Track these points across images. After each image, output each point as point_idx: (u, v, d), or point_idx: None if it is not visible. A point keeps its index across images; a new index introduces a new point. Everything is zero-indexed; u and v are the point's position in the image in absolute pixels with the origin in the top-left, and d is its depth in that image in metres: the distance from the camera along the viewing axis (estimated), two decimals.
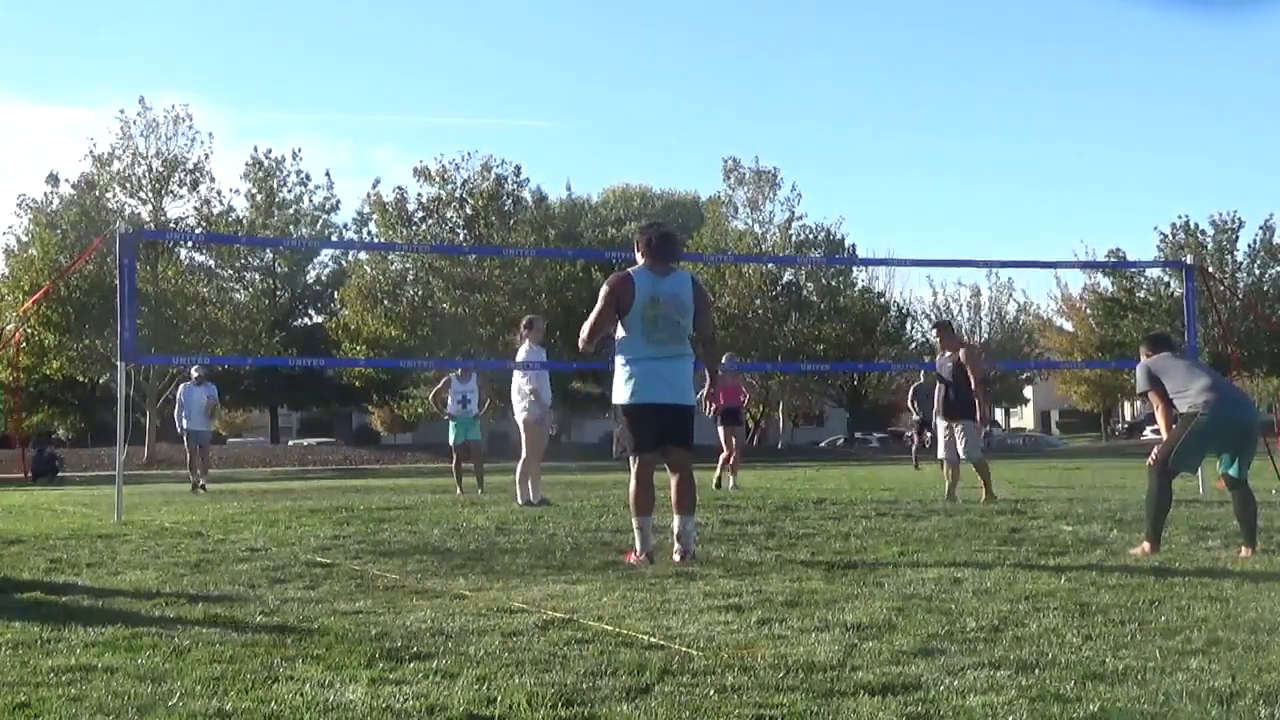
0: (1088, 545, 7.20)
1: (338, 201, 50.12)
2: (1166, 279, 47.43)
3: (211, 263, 43.18)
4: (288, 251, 47.99)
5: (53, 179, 40.34)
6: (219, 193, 41.41)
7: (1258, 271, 48.96)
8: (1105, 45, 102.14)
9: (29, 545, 8.02)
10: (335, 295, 47.36)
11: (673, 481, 6.76)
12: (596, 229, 53.65)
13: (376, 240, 45.16)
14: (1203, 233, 48.14)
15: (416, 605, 5.12)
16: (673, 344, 6.72)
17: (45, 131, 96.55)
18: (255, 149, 48.27)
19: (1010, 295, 55.59)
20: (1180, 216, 49.57)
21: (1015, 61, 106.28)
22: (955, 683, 3.55)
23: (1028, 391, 67.67)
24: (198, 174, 40.50)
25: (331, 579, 6.04)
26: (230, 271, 44.44)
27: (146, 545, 7.90)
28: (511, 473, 12.30)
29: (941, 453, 11.94)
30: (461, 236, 42.46)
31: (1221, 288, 38.81)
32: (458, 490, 14.61)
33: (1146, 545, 6.84)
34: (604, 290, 6.73)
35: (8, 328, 33.95)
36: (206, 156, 40.60)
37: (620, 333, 6.74)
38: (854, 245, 48.71)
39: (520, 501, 11.54)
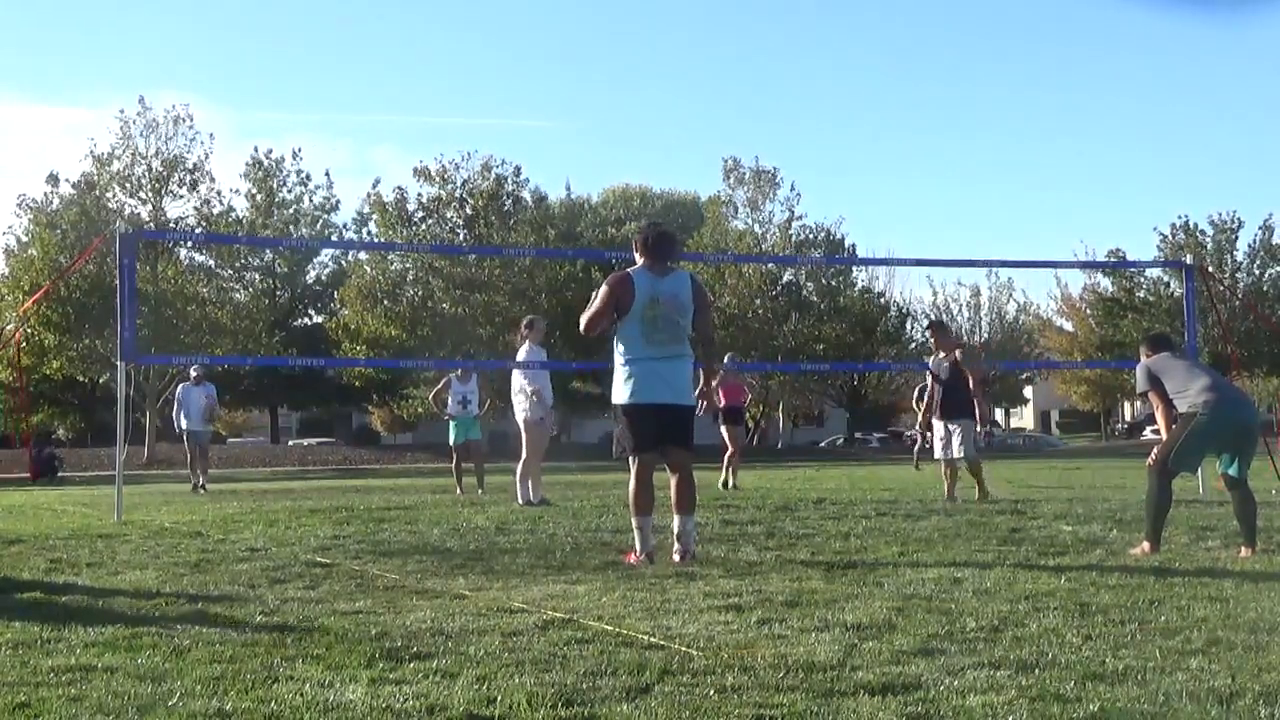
0: (1088, 545, 7.20)
1: (338, 201, 50.23)
2: (1166, 279, 47.46)
3: (211, 263, 43.18)
4: (288, 251, 47.98)
5: (53, 179, 40.38)
6: (219, 193, 41.48)
7: (1257, 271, 48.99)
8: (1105, 45, 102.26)
9: (29, 545, 8.02)
10: (335, 295, 47.36)
11: (672, 481, 6.76)
12: (596, 229, 53.65)
13: (376, 240, 45.18)
14: (1202, 233, 48.16)
15: (416, 605, 5.12)
16: (672, 344, 6.72)
17: (45, 131, 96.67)
18: (255, 149, 48.33)
19: (1010, 295, 55.74)
20: (1180, 216, 49.69)
21: (1015, 61, 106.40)
22: (955, 683, 3.55)
23: (1028, 391, 67.70)
24: (198, 174, 40.51)
25: (331, 579, 6.04)
26: (230, 271, 44.45)
27: (146, 545, 7.90)
28: (511, 473, 12.31)
29: (938, 453, 11.95)
30: (461, 236, 42.47)
31: (1221, 288, 38.81)
32: (458, 490, 14.61)
33: (1146, 545, 6.84)
34: (603, 289, 6.73)
35: (8, 328, 33.93)
36: (206, 156, 40.67)
37: (619, 333, 6.74)
38: (854, 245, 48.80)
39: (520, 501, 11.54)
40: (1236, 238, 48.44)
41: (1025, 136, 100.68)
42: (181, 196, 40.54)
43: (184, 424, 17.56)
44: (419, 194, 43.32)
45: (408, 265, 43.38)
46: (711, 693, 3.48)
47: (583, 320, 6.80)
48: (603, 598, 5.27)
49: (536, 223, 43.52)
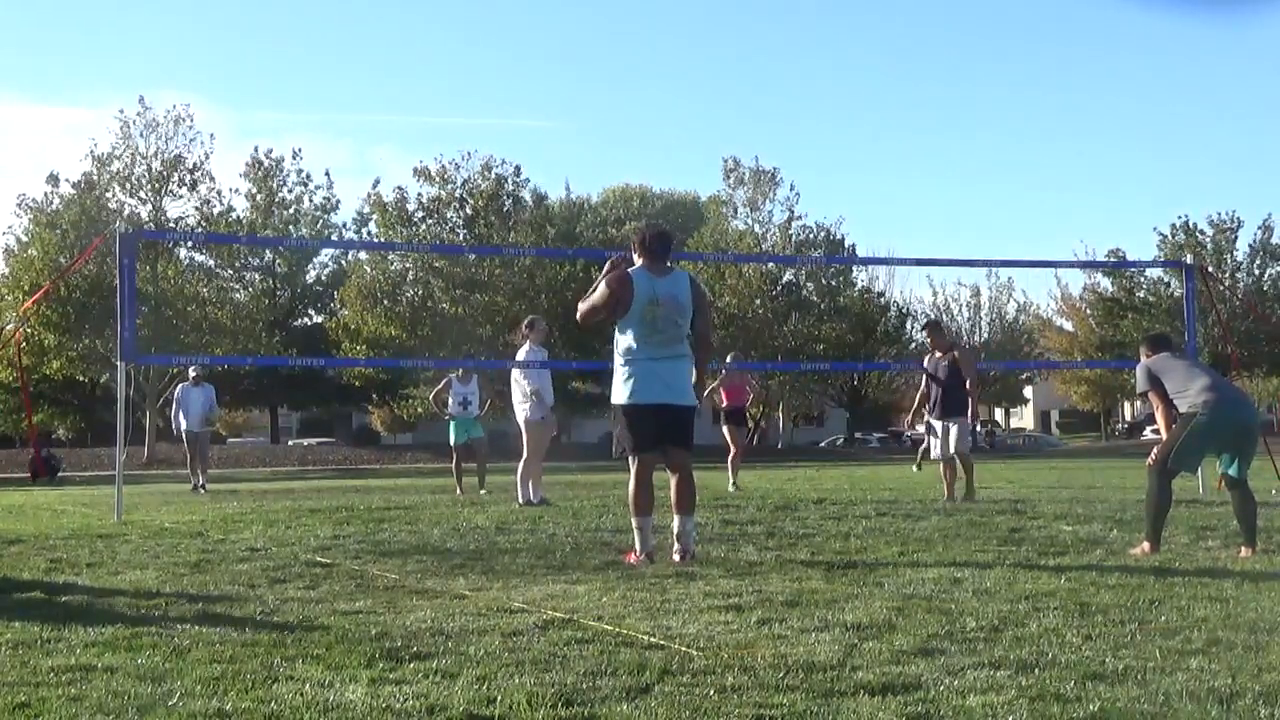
0: (1088, 545, 7.20)
1: (338, 201, 50.16)
2: (1166, 279, 47.45)
3: (211, 263, 43.20)
4: (288, 251, 47.96)
5: (53, 179, 40.35)
6: (219, 193, 41.47)
7: (1257, 271, 49.00)
8: (1105, 45, 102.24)
9: (29, 545, 8.02)
10: (335, 295, 47.35)
11: (672, 482, 6.77)
12: (596, 229, 53.65)
13: (376, 240, 45.17)
14: (1202, 233, 48.16)
15: (416, 605, 5.12)
16: (671, 345, 6.72)
17: (45, 131, 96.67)
18: (255, 149, 48.21)
19: (1010, 295, 55.72)
20: (1180, 216, 49.71)
21: (1015, 61, 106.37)
22: (955, 683, 3.55)
23: (1028, 391, 67.72)
24: (198, 174, 40.51)
25: (331, 579, 6.04)
26: (230, 271, 44.46)
27: (146, 545, 7.90)
28: (511, 473, 12.31)
29: (936, 452, 11.94)
30: (461, 236, 42.46)
31: (1221, 288, 38.82)
32: (458, 490, 14.61)
33: (1146, 545, 6.84)
34: (602, 288, 6.73)
35: (8, 328, 33.94)
36: (206, 156, 40.66)
37: (619, 333, 6.74)
38: (854, 245, 48.77)
39: (521, 501, 11.55)
40: (1236, 238, 48.50)
41: (1025, 136, 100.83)
42: (181, 196, 40.57)
43: (183, 424, 17.57)
44: (419, 194, 43.36)
45: (408, 265, 43.37)
46: (711, 693, 3.48)
47: (580, 308, 6.88)
48: (603, 598, 5.27)
49: (536, 223, 43.51)
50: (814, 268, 47.58)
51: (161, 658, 4.06)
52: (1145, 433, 53.05)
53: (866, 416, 57.89)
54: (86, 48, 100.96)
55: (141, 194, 40.23)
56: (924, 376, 12.40)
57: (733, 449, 15.21)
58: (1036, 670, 3.71)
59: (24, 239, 40.33)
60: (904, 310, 52.00)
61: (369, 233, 46.23)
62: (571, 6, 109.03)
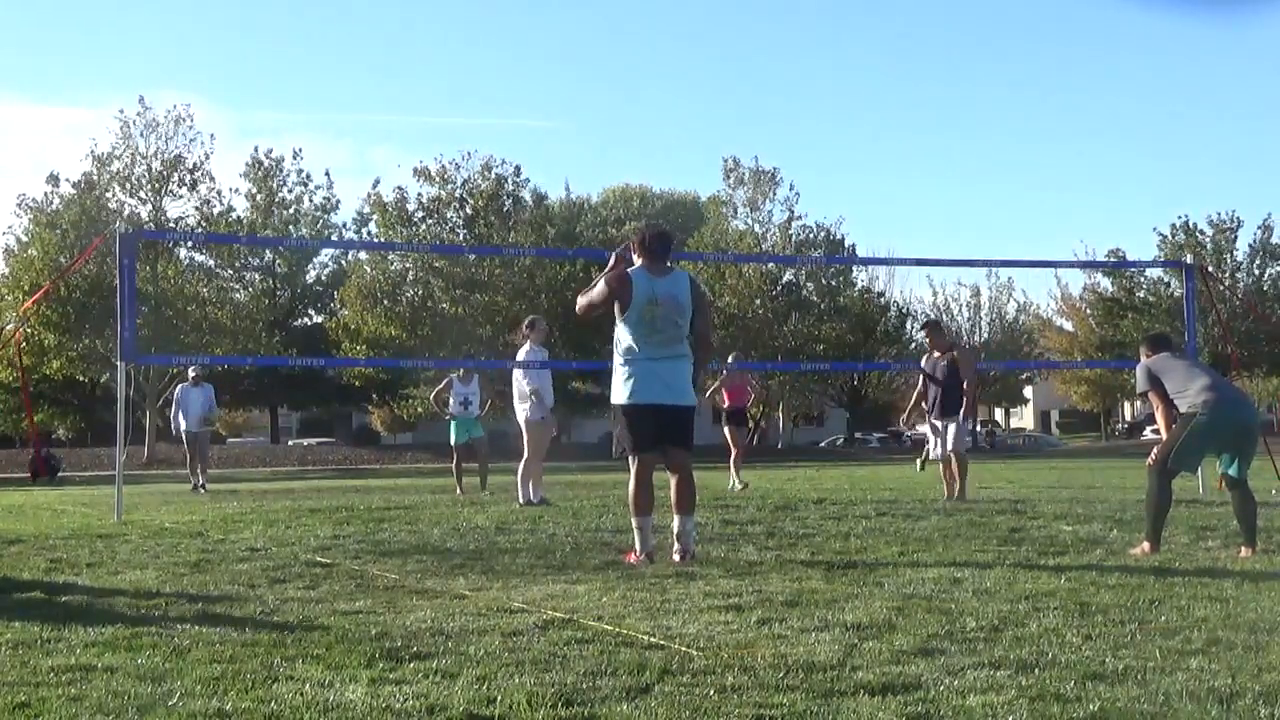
0: (1088, 545, 7.20)
1: (338, 201, 50.24)
2: (1166, 279, 47.46)
3: (211, 263, 43.21)
4: (288, 251, 47.98)
5: (53, 179, 40.39)
6: (219, 193, 41.50)
7: (1257, 271, 49.00)
8: (1105, 45, 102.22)
9: (29, 545, 8.02)
10: (335, 295, 47.37)
11: (672, 481, 6.77)
12: (596, 229, 53.64)
13: (376, 240, 45.17)
14: (1202, 233, 48.16)
15: (416, 605, 5.12)
16: (671, 345, 6.72)
17: (45, 131, 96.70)
18: (255, 149, 48.24)
19: (1010, 295, 55.77)
20: (1180, 216, 49.71)
21: (1015, 61, 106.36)
22: (955, 683, 3.55)
23: (1028, 391, 67.73)
24: (198, 174, 40.53)
25: (331, 579, 6.04)
26: (230, 271, 44.48)
27: (146, 545, 7.89)
28: (512, 473, 12.31)
29: (935, 452, 11.95)
30: (461, 236, 42.46)
31: (1221, 288, 38.82)
32: (458, 490, 14.60)
33: (1146, 545, 6.84)
34: (601, 286, 6.74)
35: (8, 328, 33.93)
36: (206, 156, 40.69)
37: (618, 333, 6.74)
38: (854, 245, 48.79)
39: (521, 501, 11.55)
40: (1236, 238, 48.50)
41: (1025, 136, 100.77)
42: (181, 196, 40.59)
43: (182, 424, 17.58)
44: (419, 194, 43.37)
45: (408, 265, 43.38)
46: (711, 693, 3.48)
47: (579, 301, 6.93)
48: (603, 598, 5.27)
49: (536, 223, 43.53)
50: (814, 268, 47.59)
51: (161, 658, 4.06)
52: (1145, 433, 53.06)
53: (866, 416, 57.89)
54: (86, 48, 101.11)
55: (141, 194, 40.25)
56: (921, 376, 12.40)
57: (733, 449, 15.22)
58: (1036, 670, 3.71)
59: (24, 239, 40.36)
60: (904, 310, 52.07)
61: (369, 233, 46.24)
62: (571, 6, 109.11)
